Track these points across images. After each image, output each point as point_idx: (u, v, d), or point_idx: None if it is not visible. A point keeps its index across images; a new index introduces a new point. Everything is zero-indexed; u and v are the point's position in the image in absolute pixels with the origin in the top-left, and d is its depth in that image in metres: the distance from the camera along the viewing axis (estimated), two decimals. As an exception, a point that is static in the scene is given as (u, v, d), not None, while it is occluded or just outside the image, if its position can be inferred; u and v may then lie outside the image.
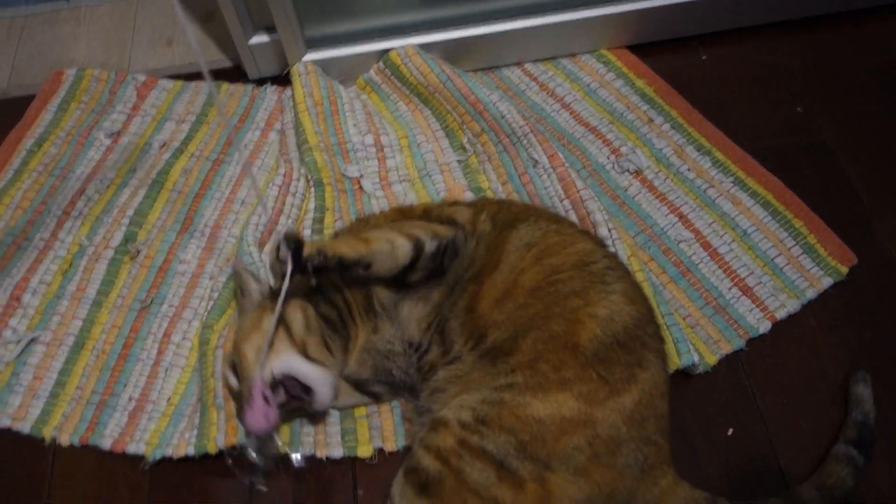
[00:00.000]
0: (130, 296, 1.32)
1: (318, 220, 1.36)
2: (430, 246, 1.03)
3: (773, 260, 1.32)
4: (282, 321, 1.05)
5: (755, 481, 1.11)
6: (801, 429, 1.15)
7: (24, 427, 1.18)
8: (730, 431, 1.15)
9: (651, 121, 1.51)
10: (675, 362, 1.14)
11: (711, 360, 1.20)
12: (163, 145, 1.51)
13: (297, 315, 1.07)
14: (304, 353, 1.04)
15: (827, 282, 1.28)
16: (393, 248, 1.01)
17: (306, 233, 1.37)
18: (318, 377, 1.03)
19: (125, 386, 1.23)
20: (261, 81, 1.62)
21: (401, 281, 1.06)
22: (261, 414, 1.00)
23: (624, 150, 1.47)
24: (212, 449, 1.08)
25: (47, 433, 1.18)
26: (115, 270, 1.35)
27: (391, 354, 1.10)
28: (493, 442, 0.92)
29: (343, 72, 1.58)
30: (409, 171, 1.45)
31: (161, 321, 1.29)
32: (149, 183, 1.45)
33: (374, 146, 1.46)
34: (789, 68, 1.60)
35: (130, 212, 1.40)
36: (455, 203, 1.21)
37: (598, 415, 0.92)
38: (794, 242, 1.33)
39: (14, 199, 1.44)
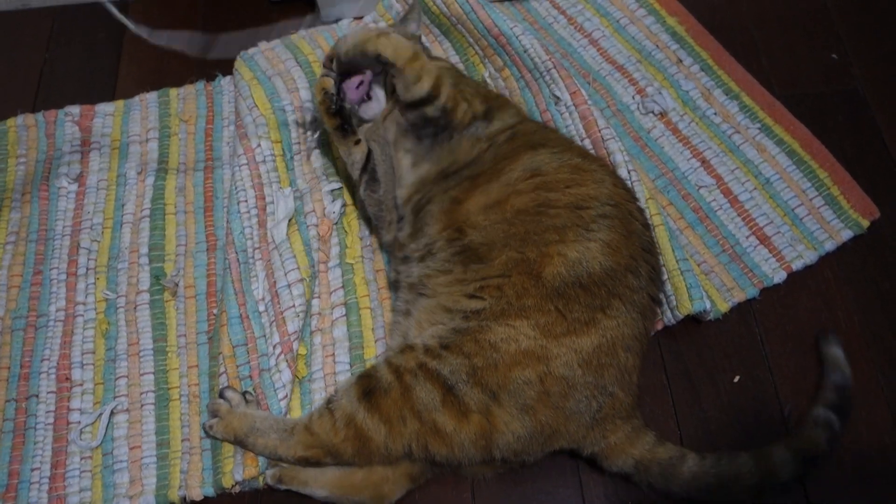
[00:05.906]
0: (191, 331, 1.23)
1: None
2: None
3: (793, 210, 1.30)
4: None
5: (757, 427, 1.12)
6: (808, 379, 1.15)
7: (149, 500, 1.09)
8: (736, 378, 1.16)
9: (680, 61, 1.47)
10: (687, 308, 1.14)
11: (723, 307, 1.20)
12: (139, 172, 1.40)
13: None
14: None
15: (846, 234, 1.26)
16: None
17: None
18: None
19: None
20: (210, 77, 1.52)
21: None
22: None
23: (650, 90, 1.43)
24: (227, 483, 1.07)
25: (173, 496, 1.09)
26: (161, 312, 1.24)
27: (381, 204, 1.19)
28: (448, 365, 0.95)
29: (365, -2, 1.54)
30: (428, 103, 1.42)
31: None
32: (146, 214, 1.34)
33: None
34: (835, 9, 1.53)
35: (144, 249, 1.30)
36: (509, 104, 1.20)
37: (553, 350, 0.94)
38: (816, 193, 1.31)
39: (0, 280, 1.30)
